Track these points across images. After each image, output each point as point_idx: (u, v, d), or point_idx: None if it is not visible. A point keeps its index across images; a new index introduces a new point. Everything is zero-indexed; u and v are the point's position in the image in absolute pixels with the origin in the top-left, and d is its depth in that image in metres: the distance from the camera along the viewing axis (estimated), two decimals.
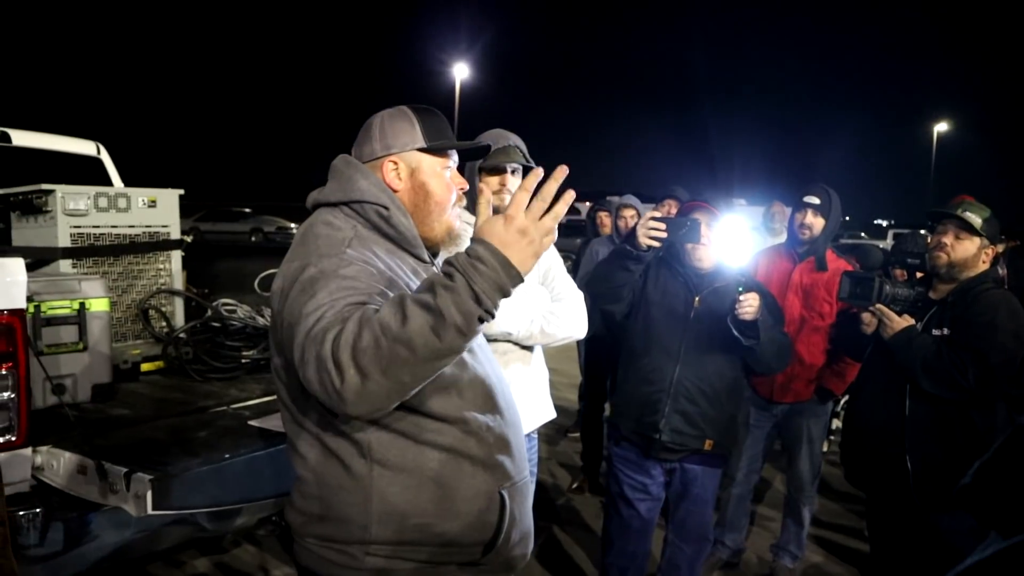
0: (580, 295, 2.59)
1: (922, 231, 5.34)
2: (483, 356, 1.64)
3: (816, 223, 3.50)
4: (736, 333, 2.67)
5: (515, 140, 2.46)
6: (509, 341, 2.40)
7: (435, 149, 1.64)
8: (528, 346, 2.48)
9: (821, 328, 3.51)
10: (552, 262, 2.61)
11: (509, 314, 2.33)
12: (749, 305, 2.61)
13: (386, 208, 1.57)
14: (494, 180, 2.42)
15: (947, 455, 2.58)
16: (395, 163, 1.62)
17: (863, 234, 30.47)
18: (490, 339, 2.31)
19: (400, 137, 1.63)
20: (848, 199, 3.70)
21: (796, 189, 3.67)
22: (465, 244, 1.91)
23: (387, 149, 1.62)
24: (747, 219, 3.07)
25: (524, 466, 1.65)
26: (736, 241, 2.73)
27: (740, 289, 2.62)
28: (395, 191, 1.61)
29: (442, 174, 1.65)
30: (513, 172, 2.44)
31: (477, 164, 2.39)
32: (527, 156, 2.47)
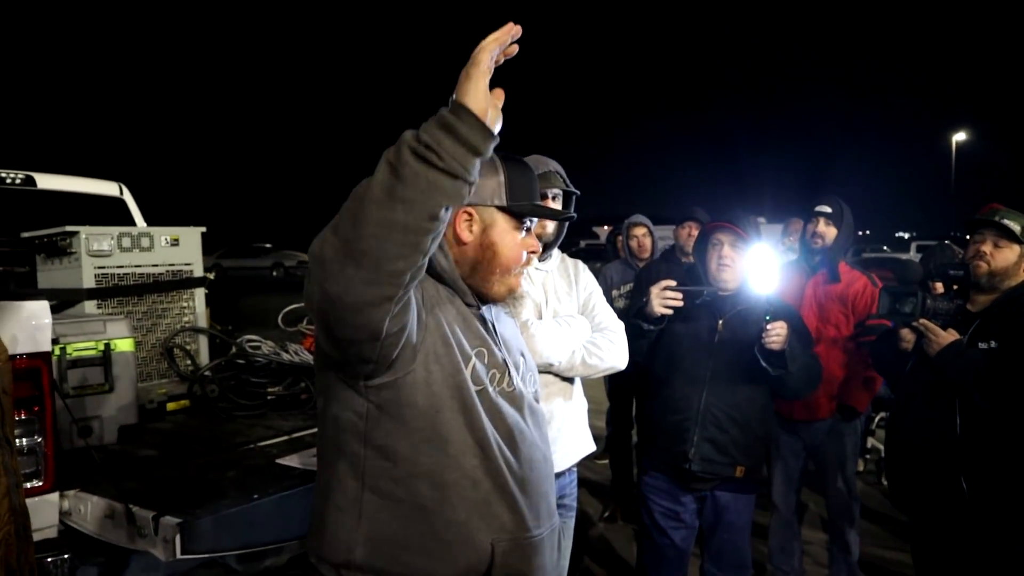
0: (621, 325, 2.53)
1: (946, 241, 5.27)
2: (512, 406, 1.55)
3: (828, 232, 3.49)
4: (764, 363, 2.62)
5: (555, 166, 2.43)
6: (550, 372, 2.35)
7: (508, 210, 1.56)
8: (569, 378, 2.43)
9: (838, 341, 3.46)
10: (592, 291, 2.56)
11: (551, 345, 2.28)
12: (776, 335, 2.55)
13: None
14: None
15: (1004, 472, 2.48)
16: (470, 215, 1.55)
17: (885, 247, 30.11)
18: None
19: (482, 189, 1.53)
20: (869, 213, 3.67)
21: (809, 203, 3.64)
22: (527, 303, 1.79)
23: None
24: (767, 237, 3.03)
25: (538, 522, 1.53)
26: (764, 268, 2.65)
27: (768, 318, 2.57)
28: (463, 243, 1.55)
29: (515, 235, 1.58)
30: (554, 198, 2.42)
31: None
32: (567, 181, 2.45)
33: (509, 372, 1.58)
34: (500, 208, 1.56)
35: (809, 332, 3.00)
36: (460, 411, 1.45)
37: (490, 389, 1.51)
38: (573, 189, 2.46)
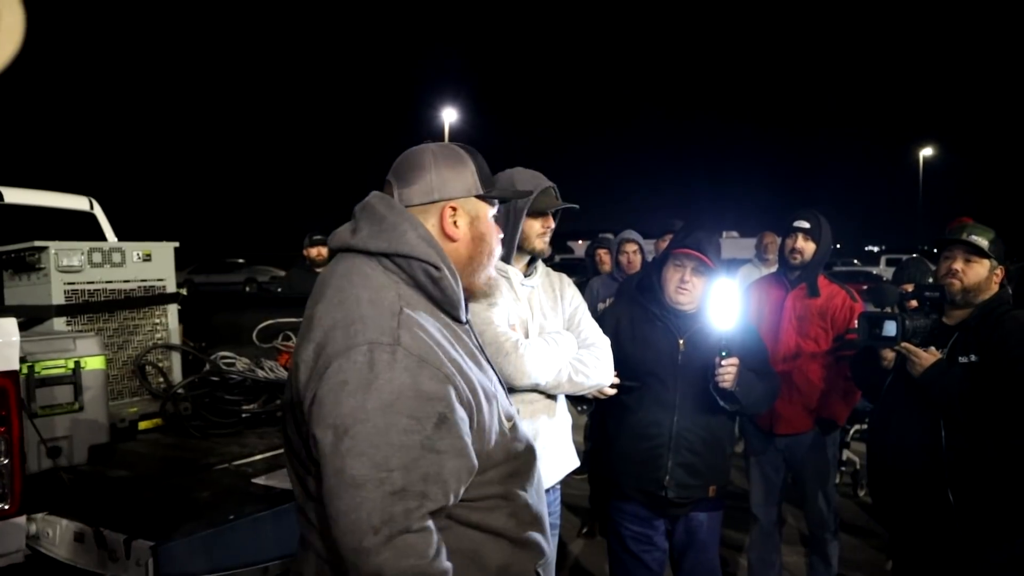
0: (607, 341, 2.52)
1: (914, 255, 5.35)
2: (522, 427, 1.54)
3: (807, 247, 3.49)
4: (718, 399, 2.62)
5: (549, 181, 2.43)
6: (535, 391, 2.33)
7: (490, 197, 1.54)
8: (553, 394, 2.41)
9: (817, 355, 3.47)
10: (578, 305, 2.54)
11: (539, 365, 2.26)
12: (727, 373, 2.55)
13: (437, 269, 1.40)
14: (537, 223, 2.39)
15: (990, 485, 2.50)
16: (454, 209, 1.49)
17: (856, 261, 30.56)
18: (516, 390, 2.24)
19: (459, 182, 1.50)
20: (838, 226, 3.70)
21: (787, 217, 3.66)
22: (498, 294, 1.72)
23: (446, 193, 1.48)
24: (741, 250, 3.03)
25: (551, 539, 1.56)
26: (725, 304, 2.61)
27: (723, 354, 2.56)
28: (453, 240, 1.48)
29: (492, 222, 1.56)
30: (553, 214, 2.44)
31: (524, 209, 2.34)
32: (559, 196, 2.46)
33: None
34: (479, 197, 1.53)
35: (767, 351, 3.00)
36: (505, 462, 1.44)
37: (516, 417, 1.50)
38: (571, 204, 2.48)
